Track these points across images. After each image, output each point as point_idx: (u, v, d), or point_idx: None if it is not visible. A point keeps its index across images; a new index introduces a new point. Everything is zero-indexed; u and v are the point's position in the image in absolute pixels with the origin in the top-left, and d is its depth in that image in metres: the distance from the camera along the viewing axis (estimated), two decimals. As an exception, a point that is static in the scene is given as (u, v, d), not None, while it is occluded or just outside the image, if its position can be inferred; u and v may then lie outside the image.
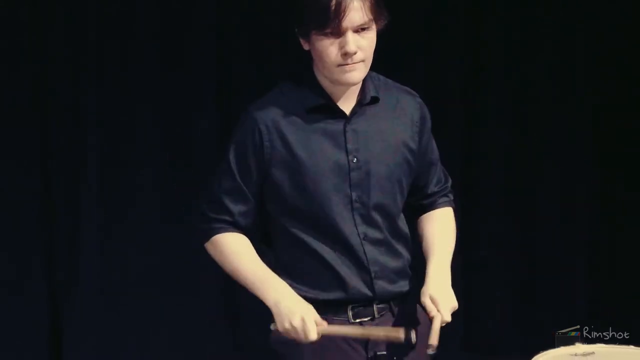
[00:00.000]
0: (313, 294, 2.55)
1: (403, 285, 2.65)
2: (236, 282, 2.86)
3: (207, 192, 2.62)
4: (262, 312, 4.75)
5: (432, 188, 2.72)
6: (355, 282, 2.56)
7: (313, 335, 2.43)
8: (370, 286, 2.57)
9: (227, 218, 2.58)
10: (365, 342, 2.57)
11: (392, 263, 2.61)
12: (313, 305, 2.51)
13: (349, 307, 2.56)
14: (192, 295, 4.92)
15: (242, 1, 4.85)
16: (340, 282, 2.55)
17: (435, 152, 2.72)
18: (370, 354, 2.53)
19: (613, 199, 5.45)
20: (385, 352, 2.51)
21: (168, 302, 4.88)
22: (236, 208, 2.57)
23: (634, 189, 5.37)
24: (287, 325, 2.45)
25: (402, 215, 2.67)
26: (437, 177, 2.74)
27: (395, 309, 2.63)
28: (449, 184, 2.77)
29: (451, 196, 2.76)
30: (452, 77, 5.18)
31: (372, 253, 2.58)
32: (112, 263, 4.80)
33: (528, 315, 5.39)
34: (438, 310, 2.47)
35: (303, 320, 2.43)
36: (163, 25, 4.77)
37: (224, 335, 4.98)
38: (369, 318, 2.57)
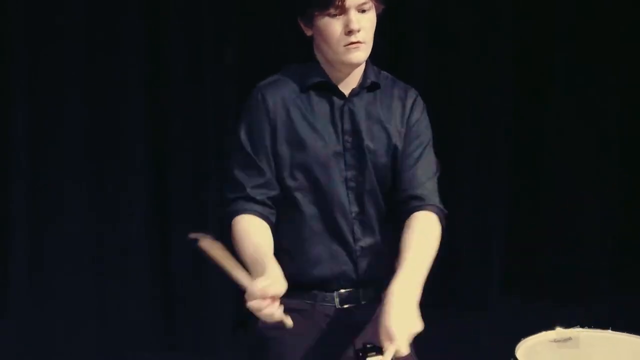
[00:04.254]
0: (300, 270, 2.58)
1: (384, 272, 2.64)
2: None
3: (225, 176, 2.65)
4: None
5: (412, 183, 2.64)
6: (341, 259, 2.61)
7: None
8: (355, 265, 2.62)
9: (241, 194, 2.58)
10: (351, 328, 2.61)
11: (379, 244, 2.65)
12: (300, 284, 2.54)
13: (335, 294, 2.61)
14: (126, 292, 4.96)
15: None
16: (326, 258, 2.60)
17: (422, 143, 2.67)
18: (358, 345, 2.54)
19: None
20: (373, 343, 2.48)
21: (100, 299, 4.92)
22: (250, 181, 2.58)
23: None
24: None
25: (385, 204, 2.68)
26: (421, 170, 2.66)
27: (375, 297, 2.64)
28: (437, 200, 2.67)
29: (435, 199, 2.65)
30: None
31: (360, 232, 2.62)
32: (43, 259, 4.83)
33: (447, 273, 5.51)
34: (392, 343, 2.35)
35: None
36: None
37: (158, 334, 5.03)
38: (354, 305, 2.63)
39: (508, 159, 5.71)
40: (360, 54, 2.54)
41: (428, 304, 5.36)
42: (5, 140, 4.72)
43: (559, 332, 2.57)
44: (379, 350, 2.44)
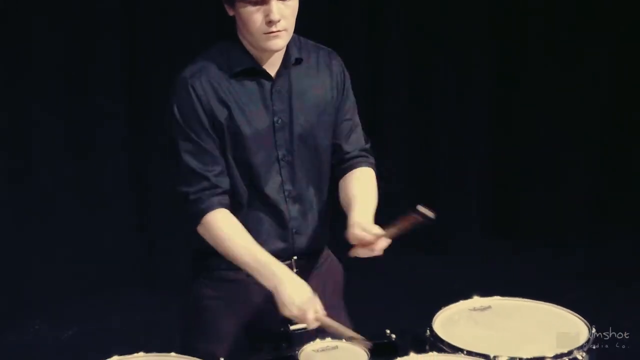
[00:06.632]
0: None
1: (321, 242, 2.78)
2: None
3: (177, 177, 2.61)
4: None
5: (351, 148, 2.76)
6: (276, 237, 2.66)
7: (311, 325, 2.49)
8: (291, 242, 2.68)
9: (206, 184, 2.58)
10: None
11: (312, 221, 2.72)
12: None
13: None
14: (105, 228, 5.06)
15: None
16: (260, 236, 2.62)
17: (352, 111, 2.78)
18: None
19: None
20: None
21: (80, 235, 5.01)
22: (210, 170, 2.58)
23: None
24: (287, 313, 2.50)
25: (326, 176, 2.75)
26: (356, 138, 2.78)
27: (312, 265, 2.74)
28: (369, 146, 2.81)
29: (372, 159, 2.79)
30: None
31: (294, 210, 2.68)
32: (20, 179, 4.90)
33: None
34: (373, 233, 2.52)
35: (301, 310, 2.48)
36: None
37: (138, 272, 5.15)
38: None
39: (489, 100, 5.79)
40: (280, 41, 2.56)
41: (409, 248, 5.55)
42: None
43: (477, 300, 2.67)
44: None
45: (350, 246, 2.57)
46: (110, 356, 2.49)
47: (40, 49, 4.88)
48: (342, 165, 2.77)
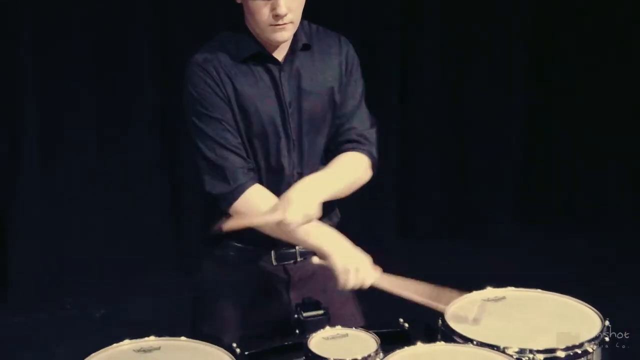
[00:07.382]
0: (240, 230, 2.59)
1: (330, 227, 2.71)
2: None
3: (204, 156, 2.59)
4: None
5: (348, 131, 2.72)
6: None
7: (368, 283, 2.50)
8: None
9: (238, 160, 2.57)
10: (286, 283, 2.71)
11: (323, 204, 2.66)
12: (238, 240, 2.65)
13: (272, 252, 2.68)
14: (137, 212, 5.13)
15: None
16: None
17: (356, 94, 2.74)
18: (297, 300, 2.63)
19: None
20: (312, 299, 2.59)
21: (112, 219, 5.09)
22: (237, 146, 2.59)
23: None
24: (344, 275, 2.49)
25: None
26: (357, 120, 2.73)
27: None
28: (373, 130, 2.76)
29: (368, 145, 2.74)
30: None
31: None
32: (53, 162, 4.98)
33: (461, 201, 5.58)
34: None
35: (358, 271, 2.48)
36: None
37: (169, 255, 5.19)
38: (292, 261, 2.70)
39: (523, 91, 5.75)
40: (286, 33, 2.56)
41: (439, 233, 5.54)
42: (13, 57, 4.87)
43: (490, 291, 2.66)
44: (318, 306, 2.59)
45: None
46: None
47: (74, 37, 4.98)
48: (338, 147, 2.73)
